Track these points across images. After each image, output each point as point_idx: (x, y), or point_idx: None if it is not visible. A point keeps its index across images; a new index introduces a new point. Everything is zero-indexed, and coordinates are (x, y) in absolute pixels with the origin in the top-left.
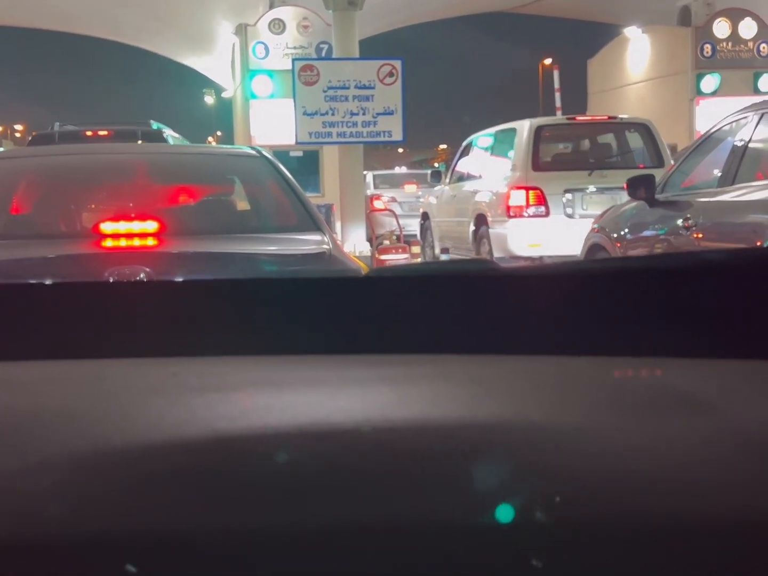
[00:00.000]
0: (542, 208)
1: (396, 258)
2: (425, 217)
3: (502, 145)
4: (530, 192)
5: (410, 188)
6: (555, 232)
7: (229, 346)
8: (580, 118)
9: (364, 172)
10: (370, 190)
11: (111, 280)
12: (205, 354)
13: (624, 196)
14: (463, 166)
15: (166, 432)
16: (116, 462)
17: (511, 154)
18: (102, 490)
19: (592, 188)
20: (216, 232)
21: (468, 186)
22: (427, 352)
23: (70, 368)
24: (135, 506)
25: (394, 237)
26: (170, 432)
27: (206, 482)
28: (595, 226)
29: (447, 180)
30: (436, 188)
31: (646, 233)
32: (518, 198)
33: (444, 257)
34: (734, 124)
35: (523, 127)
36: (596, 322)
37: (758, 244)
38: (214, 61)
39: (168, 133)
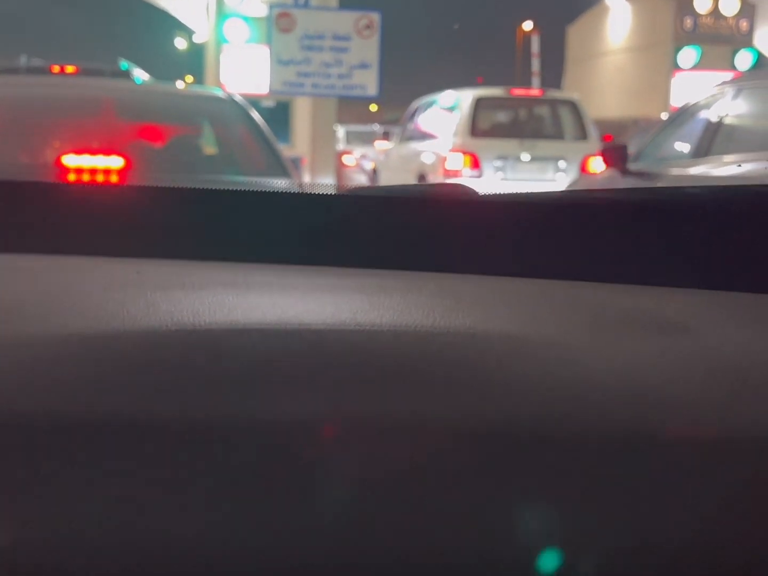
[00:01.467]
0: (476, 172)
1: None
2: (375, 172)
3: (445, 110)
4: (466, 156)
5: (382, 145)
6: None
7: (199, 252)
8: (516, 91)
9: (336, 126)
10: (342, 145)
11: (83, 182)
12: (174, 257)
13: (550, 165)
14: (410, 127)
15: (127, 322)
16: (74, 347)
17: (452, 119)
18: (58, 373)
19: (522, 156)
20: (183, 171)
21: (413, 146)
22: (401, 268)
23: (32, 262)
24: (92, 389)
25: None
26: (131, 323)
27: (167, 371)
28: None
29: (397, 139)
30: (386, 146)
31: None
32: (455, 161)
33: None
34: (711, 97)
35: (466, 96)
36: (576, 249)
37: None
38: (188, 3)
39: (137, 73)
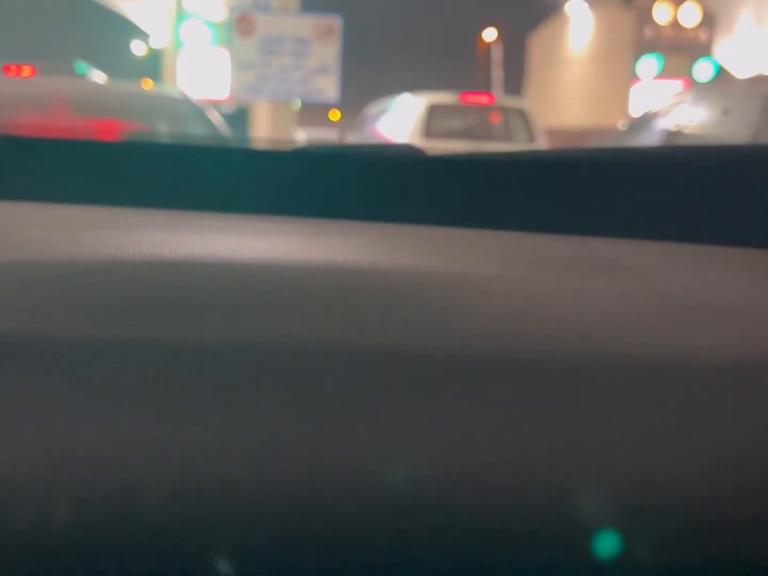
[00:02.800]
0: None
1: None
2: None
3: (399, 115)
4: None
5: None
6: None
7: (125, 199)
8: (467, 96)
9: (297, 131)
10: None
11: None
12: (98, 203)
13: None
14: (366, 131)
15: (48, 252)
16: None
17: (406, 124)
18: None
19: None
20: None
21: None
22: (346, 218)
23: None
24: (18, 310)
25: None
26: (52, 253)
27: (87, 297)
28: None
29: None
30: None
31: None
32: None
33: None
34: (670, 107)
35: (419, 100)
36: (516, 203)
37: None
38: (146, 8)
39: (94, 75)
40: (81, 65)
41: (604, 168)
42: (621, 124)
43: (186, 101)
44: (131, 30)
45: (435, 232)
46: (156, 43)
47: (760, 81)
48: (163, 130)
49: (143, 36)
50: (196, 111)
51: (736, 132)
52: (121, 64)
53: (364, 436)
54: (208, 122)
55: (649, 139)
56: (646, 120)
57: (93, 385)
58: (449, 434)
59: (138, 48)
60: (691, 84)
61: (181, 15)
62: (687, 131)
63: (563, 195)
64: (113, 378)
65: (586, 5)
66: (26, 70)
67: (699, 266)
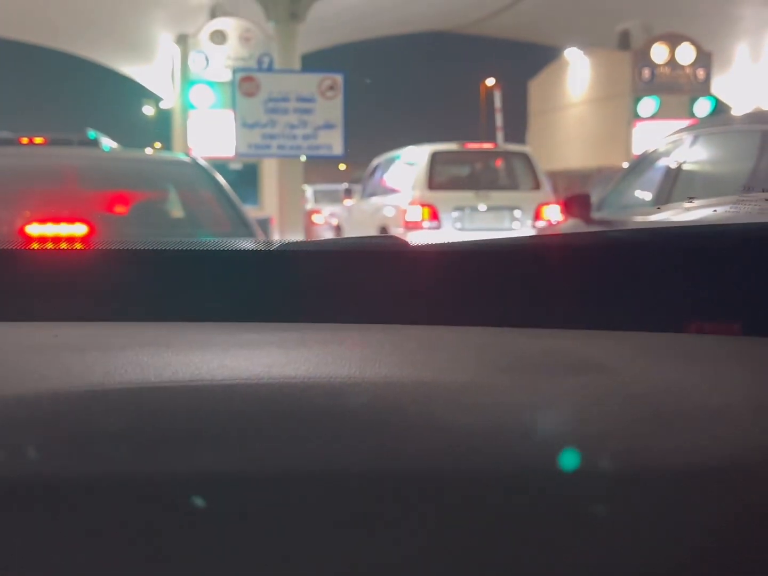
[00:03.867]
0: (435, 223)
1: None
2: (338, 229)
3: (404, 165)
4: (425, 208)
5: (348, 203)
6: None
7: (114, 313)
8: (470, 145)
9: (305, 186)
10: (310, 205)
11: None
12: (89, 319)
13: (505, 215)
14: (371, 183)
15: (41, 384)
16: None
17: (411, 174)
18: None
19: (478, 206)
20: (147, 237)
21: (375, 201)
22: (325, 321)
23: None
24: (6, 452)
25: None
26: (45, 384)
27: (81, 431)
28: None
29: (359, 195)
30: (349, 203)
31: None
32: (415, 213)
33: None
34: (670, 145)
35: (422, 151)
36: (490, 296)
37: None
38: (153, 71)
39: (105, 141)
40: (92, 133)
41: (575, 254)
42: (625, 165)
43: (194, 165)
44: (140, 92)
45: (410, 332)
46: (164, 104)
47: (757, 116)
48: (172, 196)
49: (151, 97)
50: (205, 175)
51: (736, 168)
52: (132, 126)
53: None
54: (217, 186)
55: (651, 176)
56: (648, 158)
57: (85, 524)
58: (439, 553)
59: (147, 110)
60: (691, 122)
61: (187, 78)
62: (687, 168)
63: (533, 284)
64: (107, 516)
65: (582, 49)
66: (39, 141)
67: (663, 356)
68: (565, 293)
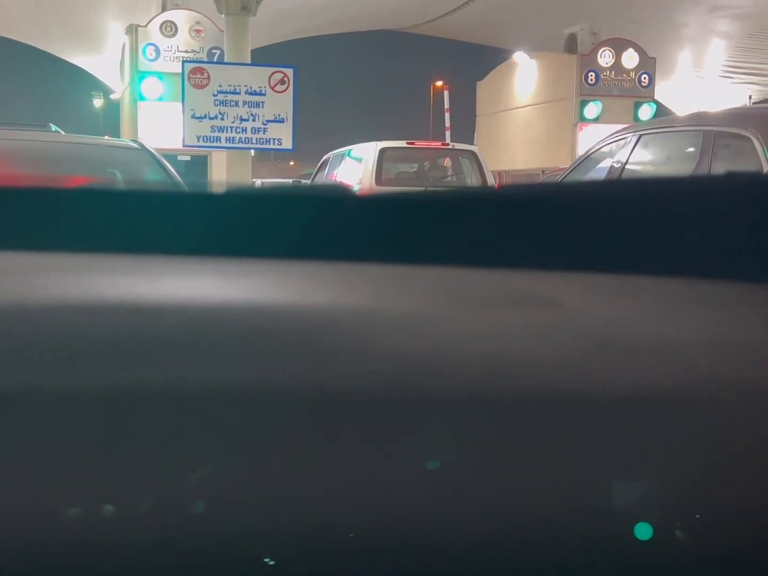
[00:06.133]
0: None
1: None
2: None
3: (352, 161)
4: None
5: None
6: None
7: (43, 243)
8: (418, 143)
9: (253, 181)
10: None
11: None
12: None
13: None
14: (321, 178)
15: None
16: None
17: (359, 169)
18: None
19: None
20: None
21: None
22: (275, 257)
23: None
24: None
25: None
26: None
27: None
28: None
29: None
30: None
31: None
32: None
33: None
34: (614, 144)
35: (371, 147)
36: (450, 237)
37: None
38: (103, 62)
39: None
40: (54, 128)
41: (525, 201)
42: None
43: (142, 150)
44: (91, 83)
45: (355, 269)
46: (114, 95)
47: (699, 117)
48: (119, 181)
49: (101, 89)
50: (152, 159)
51: (678, 167)
52: (81, 116)
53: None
54: (164, 170)
55: (593, 176)
56: (591, 158)
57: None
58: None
59: (97, 101)
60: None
61: (137, 69)
62: (629, 167)
63: (482, 228)
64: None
65: (530, 52)
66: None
67: (616, 299)
68: (514, 235)
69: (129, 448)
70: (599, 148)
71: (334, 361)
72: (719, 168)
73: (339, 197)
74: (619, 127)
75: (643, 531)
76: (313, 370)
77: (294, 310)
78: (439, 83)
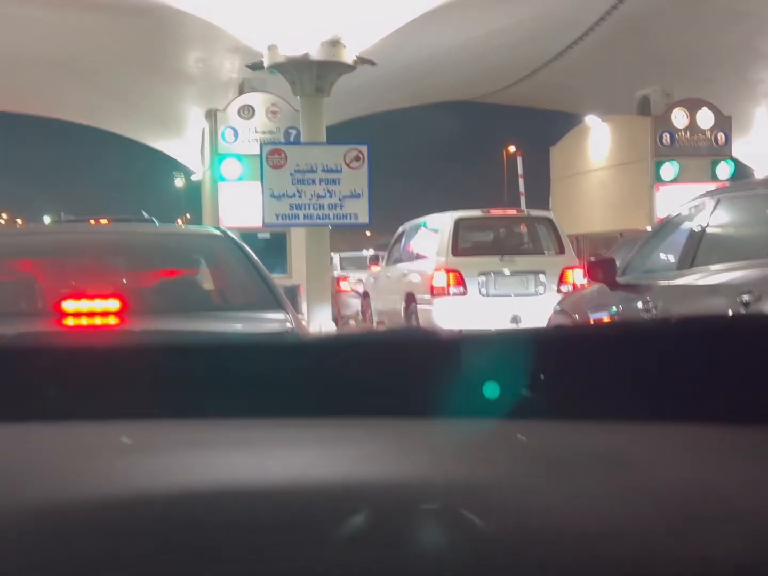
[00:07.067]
0: (461, 288)
1: None
2: (366, 295)
3: (428, 232)
4: (450, 274)
5: (377, 269)
6: (472, 308)
7: (156, 409)
8: (493, 211)
9: (331, 254)
10: (337, 272)
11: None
12: (126, 417)
13: (530, 279)
14: (396, 250)
15: (85, 490)
16: (54, 517)
17: (435, 240)
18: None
19: (503, 271)
20: (178, 310)
21: (400, 268)
22: (352, 415)
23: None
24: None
25: (359, 318)
26: (89, 491)
27: (127, 538)
28: (558, 308)
29: (384, 263)
30: (376, 270)
31: (608, 316)
32: (441, 279)
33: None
34: (692, 209)
35: (445, 218)
36: (511, 387)
37: None
38: (183, 145)
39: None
40: (146, 216)
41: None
42: (649, 228)
43: (225, 238)
44: (171, 165)
45: (437, 427)
46: (194, 176)
47: None
48: (203, 269)
49: (182, 170)
50: (235, 247)
51: (759, 231)
52: (163, 197)
53: None
54: (247, 258)
55: (674, 240)
56: (671, 223)
57: None
58: None
59: (178, 182)
60: (713, 185)
61: (216, 152)
62: (710, 231)
63: (561, 374)
64: None
65: (602, 115)
66: (104, 222)
67: (694, 451)
68: (585, 383)
69: None
70: (678, 213)
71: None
72: None
73: (420, 343)
74: (697, 186)
75: None
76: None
77: (387, 484)
78: (512, 149)
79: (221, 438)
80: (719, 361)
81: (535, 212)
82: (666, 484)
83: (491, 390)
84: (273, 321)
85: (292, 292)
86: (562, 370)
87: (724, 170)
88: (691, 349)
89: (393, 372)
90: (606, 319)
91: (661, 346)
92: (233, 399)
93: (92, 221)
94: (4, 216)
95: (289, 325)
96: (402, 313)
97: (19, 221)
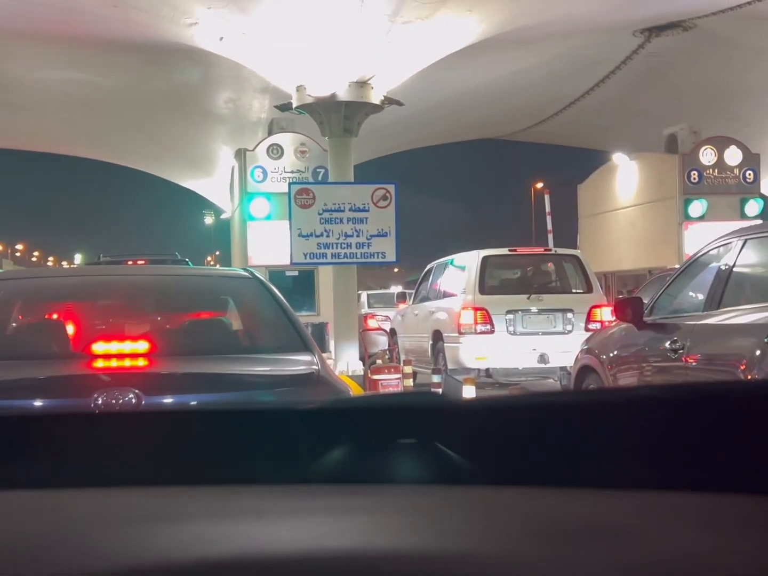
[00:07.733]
0: (488, 326)
1: (388, 378)
2: (393, 333)
3: (455, 270)
4: (478, 312)
5: (404, 307)
6: (499, 346)
7: (176, 477)
8: (521, 249)
9: (359, 292)
10: (365, 309)
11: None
12: (144, 484)
13: (558, 317)
14: (424, 288)
15: (110, 560)
16: None
17: (462, 278)
18: None
19: (530, 310)
20: (206, 352)
21: (428, 306)
22: (365, 481)
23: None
24: None
25: (387, 356)
26: (115, 560)
27: None
28: (585, 347)
29: (411, 300)
30: (403, 307)
31: (635, 356)
32: (468, 317)
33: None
34: (719, 248)
35: (473, 256)
36: (520, 455)
37: (742, 367)
38: (213, 184)
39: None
40: (179, 257)
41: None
42: (676, 266)
43: (253, 280)
44: (201, 204)
45: (446, 495)
46: (224, 215)
47: None
48: (231, 311)
49: (212, 208)
50: (263, 289)
51: None
52: (193, 235)
53: None
54: (275, 301)
55: (701, 280)
56: (697, 262)
57: None
58: None
59: (208, 220)
60: (742, 223)
61: (245, 190)
62: (737, 271)
63: (557, 441)
64: None
65: (629, 153)
66: (141, 262)
67: (695, 520)
68: (580, 451)
69: None
70: (705, 252)
71: None
72: None
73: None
74: (726, 224)
75: None
76: None
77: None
78: (539, 185)
79: (235, 507)
80: (716, 430)
81: (563, 250)
82: (663, 555)
83: (490, 457)
84: (300, 363)
85: (320, 330)
86: (567, 437)
87: (753, 208)
88: (687, 417)
89: (399, 437)
90: (631, 358)
91: (656, 414)
92: (241, 467)
93: (130, 262)
94: (36, 254)
95: (315, 367)
96: (429, 351)
97: (50, 260)
